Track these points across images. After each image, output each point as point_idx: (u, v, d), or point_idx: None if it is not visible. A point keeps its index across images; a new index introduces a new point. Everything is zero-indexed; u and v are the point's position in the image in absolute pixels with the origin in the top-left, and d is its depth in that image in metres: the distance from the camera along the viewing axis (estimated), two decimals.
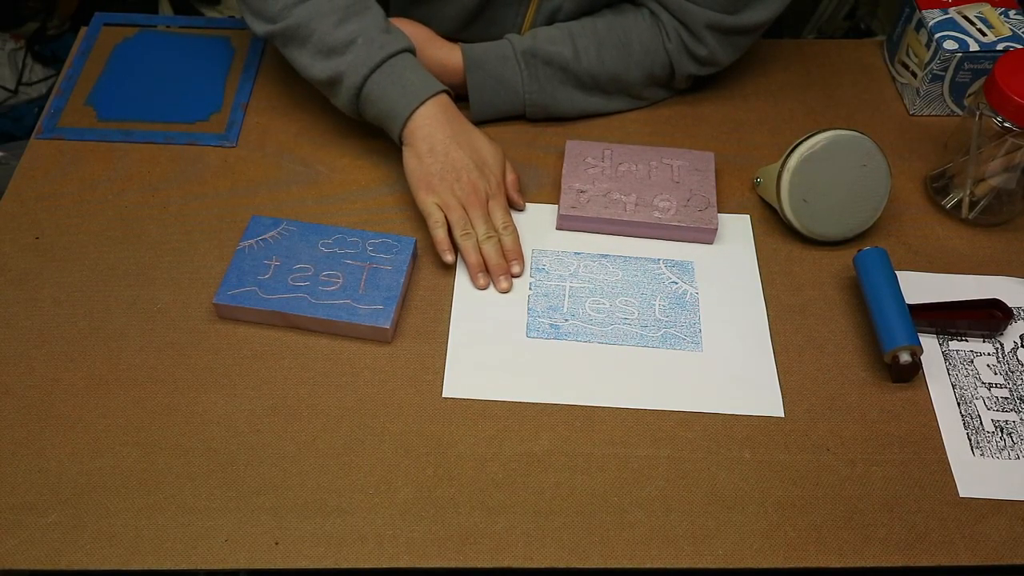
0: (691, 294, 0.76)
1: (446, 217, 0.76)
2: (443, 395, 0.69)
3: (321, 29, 0.76)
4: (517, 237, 0.78)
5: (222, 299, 0.71)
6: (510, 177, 0.81)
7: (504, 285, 0.75)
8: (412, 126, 0.77)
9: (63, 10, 1.68)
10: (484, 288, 0.76)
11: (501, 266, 0.76)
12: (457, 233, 0.76)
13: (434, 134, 0.76)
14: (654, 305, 0.75)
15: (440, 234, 0.75)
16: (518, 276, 0.77)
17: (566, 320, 0.74)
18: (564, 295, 0.76)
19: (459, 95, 0.85)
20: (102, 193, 0.82)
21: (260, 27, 0.80)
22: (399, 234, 0.77)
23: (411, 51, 0.79)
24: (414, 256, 0.77)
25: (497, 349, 0.72)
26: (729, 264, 0.79)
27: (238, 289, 0.72)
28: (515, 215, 0.81)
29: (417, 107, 0.76)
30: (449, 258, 0.75)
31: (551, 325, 0.73)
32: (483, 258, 0.76)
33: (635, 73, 0.86)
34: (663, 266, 0.78)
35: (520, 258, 0.77)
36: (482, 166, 0.78)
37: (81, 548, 0.61)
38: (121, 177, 0.83)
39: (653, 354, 0.72)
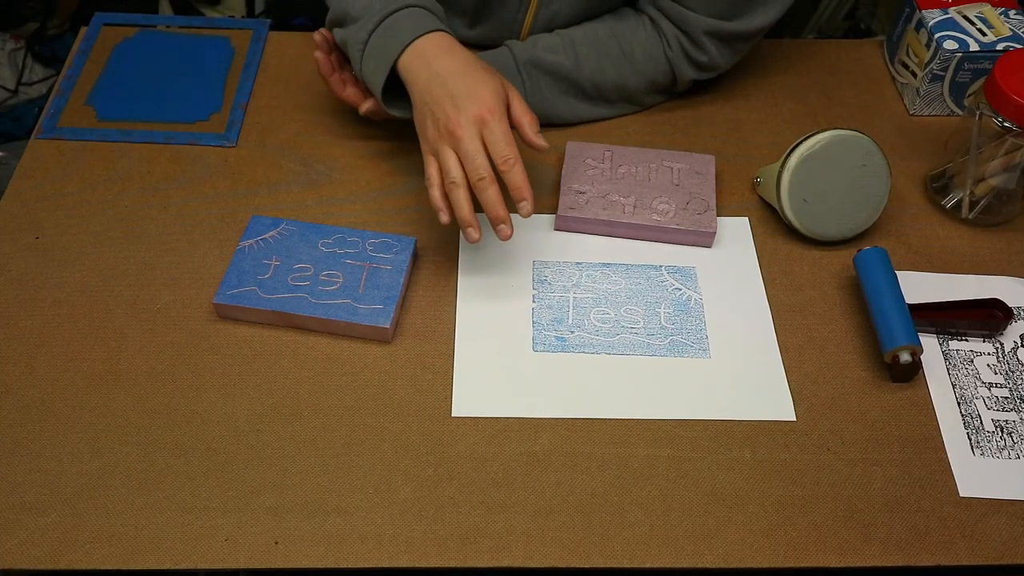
0: (695, 300, 0.76)
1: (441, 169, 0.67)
2: (452, 415, 0.68)
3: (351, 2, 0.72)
4: (521, 170, 0.64)
5: (222, 299, 0.71)
6: (523, 116, 0.68)
7: (505, 232, 0.64)
8: (403, 74, 0.68)
9: (63, 10, 1.68)
10: (477, 241, 0.65)
11: (499, 214, 0.64)
12: (446, 184, 0.65)
13: (418, 80, 0.68)
14: (659, 313, 0.75)
15: (433, 193, 0.66)
16: (527, 216, 0.65)
17: (572, 332, 0.73)
18: (568, 306, 0.75)
19: None
20: (102, 193, 0.82)
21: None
22: (399, 234, 0.77)
23: (422, 6, 0.71)
24: (414, 256, 0.76)
25: (505, 366, 0.71)
26: (731, 268, 0.78)
27: (238, 289, 0.72)
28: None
29: (401, 52, 0.68)
30: (443, 219, 0.66)
31: (557, 338, 0.73)
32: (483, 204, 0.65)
33: (637, 81, 0.86)
34: (666, 273, 0.78)
35: (528, 196, 0.64)
36: (465, 97, 0.65)
37: (81, 548, 0.61)
38: (121, 177, 0.83)
39: (662, 363, 0.72)
